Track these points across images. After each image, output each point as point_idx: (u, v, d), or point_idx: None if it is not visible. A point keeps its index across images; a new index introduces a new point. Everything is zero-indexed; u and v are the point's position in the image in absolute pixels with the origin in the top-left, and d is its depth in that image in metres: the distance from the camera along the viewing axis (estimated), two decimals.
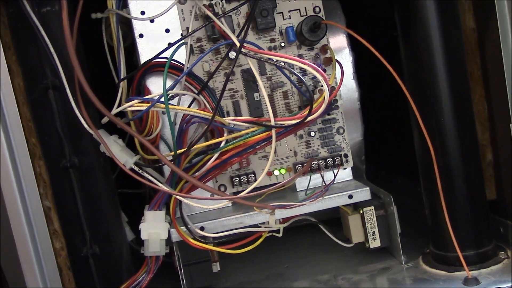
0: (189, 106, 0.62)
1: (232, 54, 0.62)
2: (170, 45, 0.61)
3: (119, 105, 0.59)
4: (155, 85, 0.64)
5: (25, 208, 0.60)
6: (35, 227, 0.61)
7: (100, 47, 0.65)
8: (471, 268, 0.60)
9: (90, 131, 0.58)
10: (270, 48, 0.65)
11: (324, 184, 0.66)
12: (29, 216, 0.60)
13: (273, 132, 0.60)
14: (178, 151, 0.60)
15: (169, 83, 0.59)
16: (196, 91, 0.62)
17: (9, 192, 0.59)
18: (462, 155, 0.61)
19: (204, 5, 0.61)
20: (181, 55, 0.62)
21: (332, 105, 0.66)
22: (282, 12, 0.65)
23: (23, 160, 0.60)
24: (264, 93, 0.60)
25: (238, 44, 0.58)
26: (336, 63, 0.64)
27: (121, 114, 0.61)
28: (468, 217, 0.62)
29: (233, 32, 0.61)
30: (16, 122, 0.59)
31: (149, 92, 0.63)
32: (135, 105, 0.57)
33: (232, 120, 0.61)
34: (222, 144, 0.61)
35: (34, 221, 0.61)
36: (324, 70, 0.65)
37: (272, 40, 0.65)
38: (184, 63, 0.62)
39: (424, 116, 0.60)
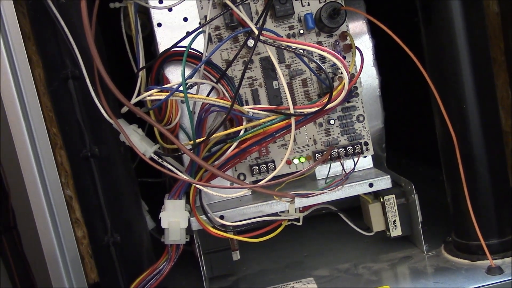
0: (207, 95, 0.62)
1: (251, 42, 0.61)
2: (188, 33, 0.61)
3: (138, 95, 0.59)
4: (174, 74, 0.64)
5: (47, 197, 0.61)
6: (57, 216, 0.61)
7: (119, 37, 0.66)
8: (494, 257, 0.60)
9: (110, 120, 0.58)
10: (288, 36, 0.65)
11: (344, 173, 0.65)
12: (51, 205, 0.61)
13: (293, 120, 0.59)
14: (197, 140, 0.60)
15: (187, 72, 0.59)
16: (215, 80, 0.62)
17: (31, 181, 0.60)
18: (485, 142, 0.60)
19: None
20: (200, 44, 0.62)
21: (352, 93, 0.66)
22: None
23: (45, 150, 0.60)
24: (283, 81, 0.59)
25: (256, 32, 0.58)
26: (356, 50, 0.64)
27: (140, 104, 0.61)
28: (491, 205, 0.61)
29: (251, 20, 0.61)
30: (37, 112, 0.60)
31: (168, 81, 0.63)
32: (154, 94, 0.57)
33: (251, 108, 0.61)
34: (241, 132, 0.61)
35: (56, 210, 0.61)
36: (344, 57, 0.65)
37: (291, 27, 0.65)
38: (202, 51, 0.62)
39: (446, 102, 0.59)
